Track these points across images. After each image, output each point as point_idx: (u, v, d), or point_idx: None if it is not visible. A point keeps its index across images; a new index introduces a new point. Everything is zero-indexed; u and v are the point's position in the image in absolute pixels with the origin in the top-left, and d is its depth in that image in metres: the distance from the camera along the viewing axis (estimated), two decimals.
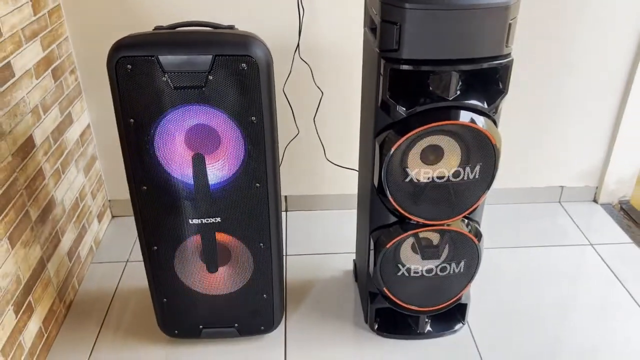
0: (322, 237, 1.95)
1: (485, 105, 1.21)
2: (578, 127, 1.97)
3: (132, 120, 1.18)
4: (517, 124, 1.95)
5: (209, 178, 1.26)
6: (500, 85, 1.22)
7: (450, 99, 1.19)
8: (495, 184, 2.04)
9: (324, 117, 1.87)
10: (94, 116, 1.86)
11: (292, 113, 1.84)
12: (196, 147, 1.23)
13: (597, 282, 1.75)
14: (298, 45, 1.74)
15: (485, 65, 1.17)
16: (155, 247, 1.35)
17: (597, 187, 2.10)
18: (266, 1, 1.68)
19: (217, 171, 1.26)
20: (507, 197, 2.10)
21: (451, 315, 1.56)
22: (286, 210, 2.08)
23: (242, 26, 1.27)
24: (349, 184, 1.97)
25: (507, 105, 1.89)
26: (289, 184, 2.01)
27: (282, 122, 1.84)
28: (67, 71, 1.69)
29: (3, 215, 1.30)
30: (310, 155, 1.94)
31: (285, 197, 2.05)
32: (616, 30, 1.80)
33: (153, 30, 1.21)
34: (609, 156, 2.02)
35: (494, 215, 2.05)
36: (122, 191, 1.99)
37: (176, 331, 1.50)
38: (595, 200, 2.13)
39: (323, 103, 1.84)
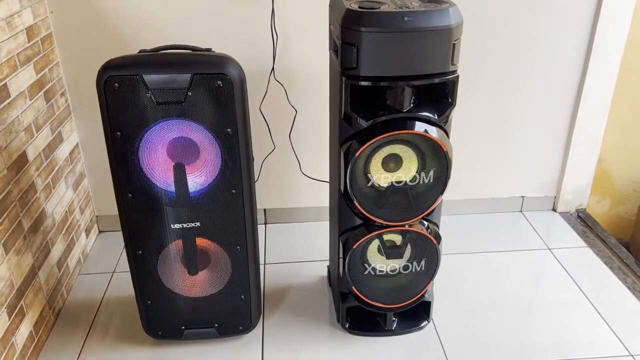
0: (299, 247, 2.07)
1: (436, 117, 1.36)
2: (535, 141, 2.13)
3: (118, 133, 1.31)
4: (480, 139, 2.10)
5: (189, 185, 1.38)
6: (449, 99, 1.37)
7: (405, 111, 1.34)
8: (461, 195, 2.20)
9: (299, 134, 2.01)
10: (82, 136, 1.98)
11: (269, 130, 1.98)
12: (177, 157, 1.36)
13: (555, 283, 1.88)
14: (273, 67, 1.89)
15: (436, 80, 1.33)
16: (140, 252, 1.46)
17: (555, 197, 2.26)
18: (243, 27, 1.83)
19: (197, 179, 1.39)
20: (472, 207, 2.24)
21: (417, 313, 1.68)
22: (265, 223, 2.20)
23: (221, 50, 1.41)
24: (324, 196, 2.10)
25: (470, 124, 2.05)
26: (267, 198, 2.14)
27: (259, 138, 1.98)
28: (57, 94, 1.82)
29: None
30: (287, 170, 2.08)
31: (264, 210, 2.18)
32: (565, 46, 1.97)
33: (138, 53, 1.35)
34: (564, 169, 2.18)
35: (459, 223, 2.19)
36: (109, 207, 2.10)
37: (160, 332, 1.60)
38: (554, 209, 2.28)
39: (297, 120, 1.98)
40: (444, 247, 1.61)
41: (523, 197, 2.25)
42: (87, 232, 2.05)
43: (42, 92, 1.70)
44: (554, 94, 2.05)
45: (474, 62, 1.95)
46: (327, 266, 1.91)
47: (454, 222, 2.18)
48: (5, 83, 1.48)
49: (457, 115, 1.97)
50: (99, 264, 2.00)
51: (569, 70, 2.02)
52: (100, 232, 2.17)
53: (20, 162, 1.55)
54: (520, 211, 2.27)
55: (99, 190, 2.08)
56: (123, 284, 1.88)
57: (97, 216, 2.14)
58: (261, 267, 1.96)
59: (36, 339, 1.58)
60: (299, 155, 2.05)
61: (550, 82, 2.03)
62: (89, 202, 2.08)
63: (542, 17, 1.91)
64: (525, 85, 2.02)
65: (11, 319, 1.45)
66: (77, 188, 1.96)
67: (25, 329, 1.52)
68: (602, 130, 2.13)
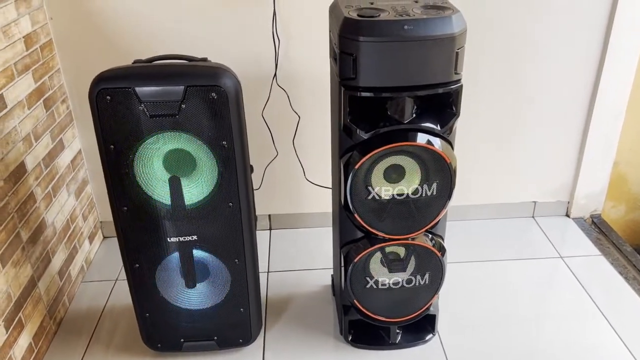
0: (304, 254, 2.03)
1: (439, 127, 1.31)
2: (547, 145, 2.06)
3: (112, 146, 1.28)
4: (490, 142, 2.04)
5: (185, 198, 1.35)
6: (453, 109, 1.32)
7: (405, 122, 1.29)
8: (470, 200, 2.14)
9: (302, 140, 1.97)
10: (85, 142, 1.96)
11: (271, 136, 1.94)
12: (172, 170, 1.33)
13: (566, 294, 1.82)
14: (275, 72, 1.85)
15: (440, 90, 1.27)
16: (137, 265, 1.44)
17: (568, 202, 2.19)
18: (245, 31, 1.79)
19: (193, 192, 1.36)
20: (482, 212, 2.18)
21: (422, 326, 1.63)
22: (270, 229, 2.17)
23: (222, 58, 1.38)
24: (329, 202, 2.06)
25: (482, 127, 2.00)
26: (271, 204, 2.10)
27: (261, 145, 1.94)
28: (58, 101, 1.80)
29: None
30: (291, 176, 2.04)
31: (269, 216, 2.14)
32: (580, 46, 1.90)
33: (132, 63, 1.32)
34: (577, 172, 2.11)
35: (468, 229, 2.13)
36: None
37: (159, 345, 1.58)
38: (567, 215, 2.21)
39: (300, 126, 1.94)
40: (451, 255, 1.56)
41: (535, 202, 2.18)
42: (91, 238, 2.04)
43: (41, 100, 1.68)
44: (567, 94, 1.98)
45: (483, 63, 1.89)
46: (331, 275, 1.87)
47: (462, 228, 2.13)
48: (1, 94, 1.46)
49: (467, 117, 1.91)
50: (103, 271, 1.98)
51: (584, 70, 1.94)
52: (104, 237, 2.15)
53: (18, 173, 1.53)
54: (532, 217, 2.20)
55: (104, 195, 2.04)
56: (126, 292, 1.83)
57: (101, 222, 2.13)
58: (265, 275, 1.93)
59: (36, 350, 1.57)
60: (302, 161, 2.01)
61: (563, 82, 1.95)
62: (93, 208, 2.07)
63: (553, 16, 1.84)
64: (537, 85, 1.95)
65: (9, 332, 1.44)
66: (79, 195, 1.94)
67: (24, 341, 1.51)
68: (618, 132, 2.06)
